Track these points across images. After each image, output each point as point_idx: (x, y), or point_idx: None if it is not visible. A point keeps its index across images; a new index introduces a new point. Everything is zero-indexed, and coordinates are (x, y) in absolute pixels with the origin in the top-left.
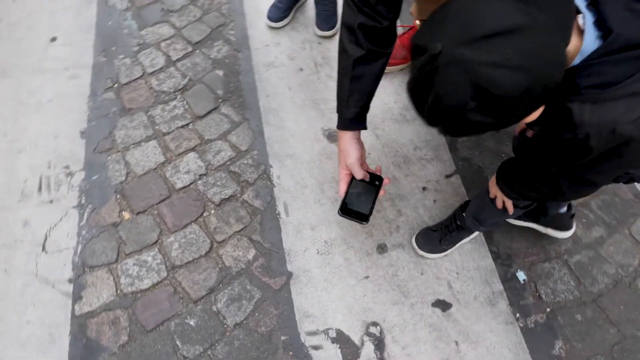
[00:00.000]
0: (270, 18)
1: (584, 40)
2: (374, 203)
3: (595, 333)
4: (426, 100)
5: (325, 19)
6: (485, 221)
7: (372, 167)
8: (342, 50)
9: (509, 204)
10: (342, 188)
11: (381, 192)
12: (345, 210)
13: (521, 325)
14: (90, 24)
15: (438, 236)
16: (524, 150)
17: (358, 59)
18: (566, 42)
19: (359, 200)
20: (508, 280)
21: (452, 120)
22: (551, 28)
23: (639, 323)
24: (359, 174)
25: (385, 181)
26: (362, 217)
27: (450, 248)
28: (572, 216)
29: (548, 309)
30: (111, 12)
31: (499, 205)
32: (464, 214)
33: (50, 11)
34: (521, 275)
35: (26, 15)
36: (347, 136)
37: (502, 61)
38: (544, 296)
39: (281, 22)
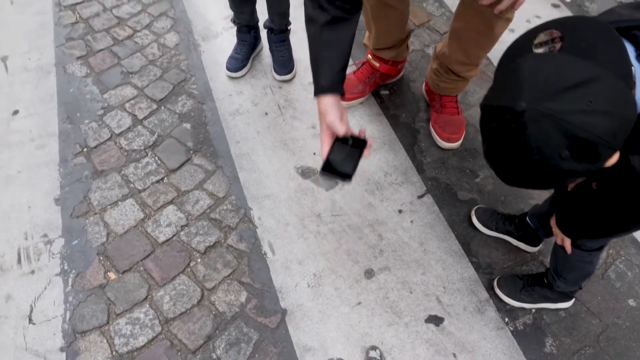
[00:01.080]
0: (229, 69)
1: (636, 91)
2: (357, 163)
3: (581, 326)
4: (515, 158)
5: (282, 65)
6: (563, 275)
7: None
8: (308, 20)
9: (567, 243)
10: (325, 149)
11: (366, 153)
12: (328, 168)
13: (511, 328)
14: (51, 93)
15: (521, 284)
16: (583, 198)
17: (325, 24)
18: (630, 87)
19: (342, 161)
20: (492, 287)
21: (542, 172)
22: (617, 76)
23: (617, 311)
24: (341, 130)
25: (369, 142)
26: (344, 176)
27: (528, 303)
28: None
29: (533, 310)
30: (71, 80)
31: (559, 242)
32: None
33: (9, 84)
34: None
35: None
36: (325, 100)
37: (588, 108)
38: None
39: (240, 72)
